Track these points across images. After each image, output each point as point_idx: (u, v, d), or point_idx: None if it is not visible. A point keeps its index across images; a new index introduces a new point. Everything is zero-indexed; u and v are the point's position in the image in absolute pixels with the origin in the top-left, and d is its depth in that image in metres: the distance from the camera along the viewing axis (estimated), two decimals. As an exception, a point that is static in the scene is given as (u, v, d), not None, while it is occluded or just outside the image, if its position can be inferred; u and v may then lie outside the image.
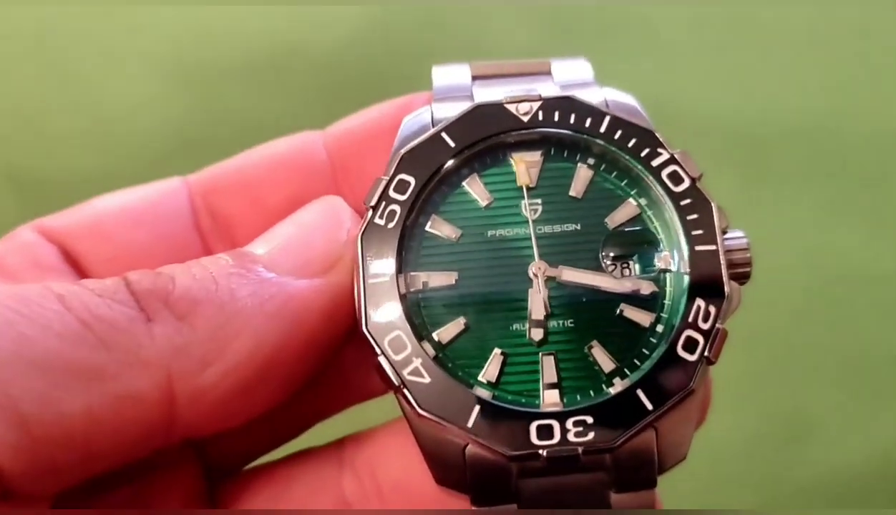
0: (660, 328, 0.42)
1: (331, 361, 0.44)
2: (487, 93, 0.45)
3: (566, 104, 0.44)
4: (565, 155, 0.44)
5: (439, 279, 0.42)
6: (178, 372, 0.37)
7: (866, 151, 0.90)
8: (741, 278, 0.43)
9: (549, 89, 0.45)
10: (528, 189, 0.44)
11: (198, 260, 0.40)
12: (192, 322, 0.38)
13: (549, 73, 0.47)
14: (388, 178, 0.43)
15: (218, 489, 0.45)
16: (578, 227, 0.43)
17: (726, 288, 0.41)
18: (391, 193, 0.43)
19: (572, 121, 0.44)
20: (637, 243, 0.43)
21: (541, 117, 0.44)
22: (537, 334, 0.42)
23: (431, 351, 0.41)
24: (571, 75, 0.47)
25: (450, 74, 0.47)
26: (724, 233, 0.43)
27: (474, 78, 0.47)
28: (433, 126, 0.44)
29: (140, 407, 0.36)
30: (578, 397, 0.41)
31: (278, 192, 0.47)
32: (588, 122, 0.44)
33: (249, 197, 0.47)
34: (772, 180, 0.88)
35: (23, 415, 0.34)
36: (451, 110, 0.44)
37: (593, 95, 0.45)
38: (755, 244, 0.43)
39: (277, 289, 0.39)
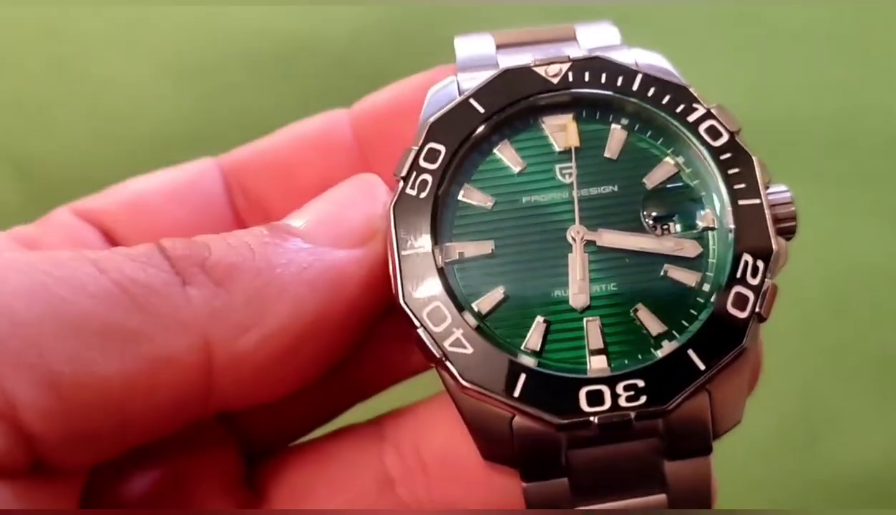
0: (706, 287, 0.40)
1: (369, 335, 0.43)
2: (514, 60, 0.44)
3: (596, 64, 0.43)
4: (597, 116, 0.43)
5: (475, 248, 0.41)
6: (216, 336, 0.36)
7: (886, 150, 0.89)
8: (786, 233, 0.42)
9: (576, 53, 0.44)
10: (561, 152, 0.43)
11: (232, 232, 0.40)
12: (229, 287, 0.37)
13: (573, 38, 0.46)
14: (417, 148, 0.42)
15: (256, 469, 0.44)
16: (616, 189, 0.42)
17: (773, 243, 0.40)
18: (422, 163, 0.42)
19: (604, 80, 0.43)
20: (678, 202, 0.42)
21: (571, 78, 0.43)
22: (580, 300, 0.40)
23: (472, 322, 0.40)
24: (597, 39, 0.46)
25: (473, 45, 0.46)
26: (767, 187, 0.42)
27: (499, 47, 0.46)
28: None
29: (176, 370, 0.35)
30: (626, 361, 0.39)
31: (307, 171, 0.46)
32: (620, 81, 0.43)
33: (280, 176, 0.47)
34: (789, 180, 0.87)
35: (56, 377, 0.33)
36: (478, 80, 0.43)
37: (622, 56, 0.44)
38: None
39: (315, 258, 0.39)
